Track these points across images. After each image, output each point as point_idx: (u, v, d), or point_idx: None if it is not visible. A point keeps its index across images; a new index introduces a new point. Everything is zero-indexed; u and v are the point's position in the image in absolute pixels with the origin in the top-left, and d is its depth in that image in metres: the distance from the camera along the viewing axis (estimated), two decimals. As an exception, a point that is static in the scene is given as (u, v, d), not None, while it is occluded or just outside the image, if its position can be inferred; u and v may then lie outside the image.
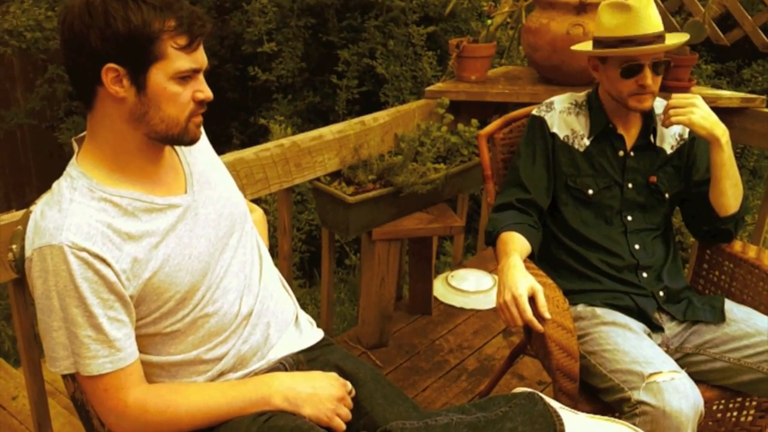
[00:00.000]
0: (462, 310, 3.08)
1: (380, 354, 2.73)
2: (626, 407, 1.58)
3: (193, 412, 1.30)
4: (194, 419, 1.30)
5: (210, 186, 1.43)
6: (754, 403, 1.88)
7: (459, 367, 2.70)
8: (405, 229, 2.57)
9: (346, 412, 1.37)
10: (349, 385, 1.41)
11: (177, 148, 1.42)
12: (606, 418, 1.42)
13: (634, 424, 1.44)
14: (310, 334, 1.58)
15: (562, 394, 1.70)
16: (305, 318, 1.61)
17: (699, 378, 1.73)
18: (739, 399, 1.87)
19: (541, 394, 1.38)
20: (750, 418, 1.90)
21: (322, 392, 1.35)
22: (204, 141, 1.50)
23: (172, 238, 1.32)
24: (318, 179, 2.46)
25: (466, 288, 3.18)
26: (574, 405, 1.62)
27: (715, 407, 1.87)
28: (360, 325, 2.80)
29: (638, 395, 1.55)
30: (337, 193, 2.38)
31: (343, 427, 1.35)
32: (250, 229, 1.52)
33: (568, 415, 1.37)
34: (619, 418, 1.47)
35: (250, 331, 1.42)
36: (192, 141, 1.33)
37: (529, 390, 1.40)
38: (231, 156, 2.14)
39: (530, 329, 1.71)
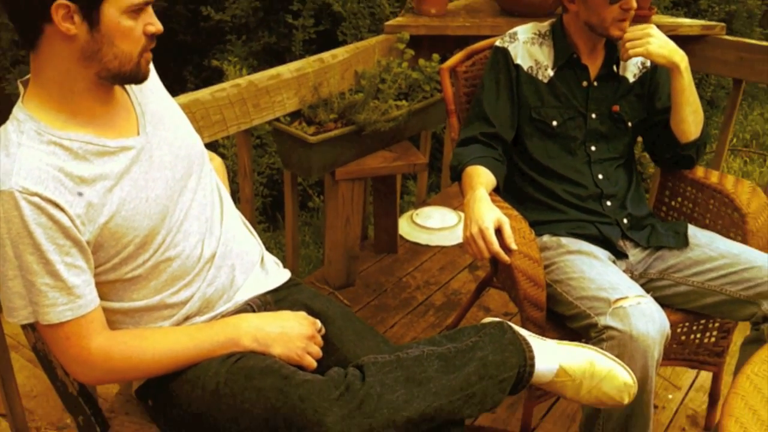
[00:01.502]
0: (428, 247, 3.09)
1: (348, 293, 2.73)
2: (593, 333, 1.60)
3: (159, 357, 1.27)
4: (161, 364, 1.28)
5: (164, 127, 1.37)
6: (716, 324, 1.93)
7: (426, 303, 2.72)
8: (368, 168, 2.53)
9: (317, 350, 1.36)
10: (319, 323, 1.40)
11: (128, 87, 1.36)
12: (574, 343, 1.43)
13: (602, 349, 1.46)
14: (277, 274, 1.56)
15: (530, 323, 1.72)
16: (271, 259, 1.58)
17: (663, 302, 1.76)
18: (703, 321, 1.92)
19: (510, 323, 1.39)
20: (713, 339, 1.95)
21: (291, 331, 1.33)
22: (155, 80, 1.44)
23: (127, 182, 1.27)
24: (278, 120, 2.40)
25: (431, 225, 3.18)
26: (542, 333, 1.63)
27: (679, 330, 1.91)
28: (326, 265, 2.79)
29: (605, 321, 1.57)
30: (298, 134, 2.33)
31: (314, 364, 1.34)
32: (209, 171, 1.48)
33: (536, 342, 1.38)
34: (587, 343, 1.49)
35: (215, 273, 1.40)
36: (144, 78, 1.28)
37: (497, 319, 1.41)
38: (186, 97, 2.07)
39: (497, 261, 1.71)
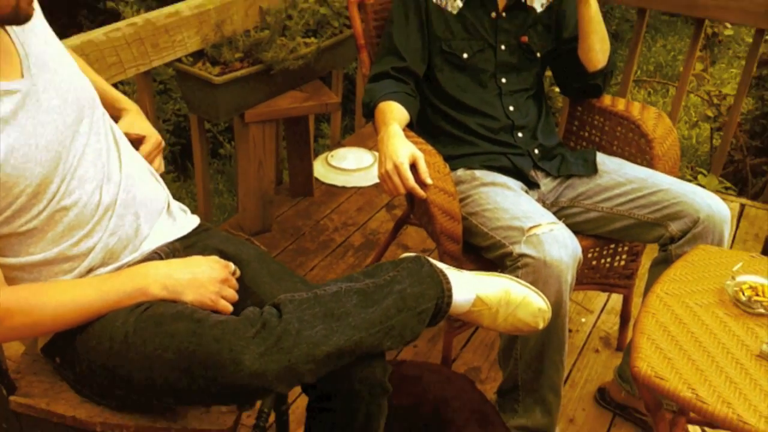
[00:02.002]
0: (344, 188, 3.06)
1: (264, 239, 2.68)
2: (509, 262, 1.62)
3: (62, 312, 1.20)
4: (65, 318, 1.21)
5: (49, 69, 1.27)
6: (626, 248, 1.99)
7: (345, 245, 2.70)
8: (279, 109, 2.46)
9: (231, 293, 1.31)
10: (232, 266, 1.35)
11: (9, 28, 1.25)
12: (490, 273, 1.44)
13: (517, 277, 1.47)
14: (185, 221, 1.49)
15: (447, 257, 1.72)
16: (177, 206, 1.52)
17: (575, 229, 1.79)
18: (613, 246, 1.97)
19: (427, 257, 1.38)
20: (623, 263, 2.01)
21: (203, 276, 1.28)
22: (39, 21, 1.32)
23: (14, 128, 1.17)
24: (180, 61, 2.29)
25: (346, 166, 3.14)
26: (459, 266, 1.64)
27: (590, 255, 1.97)
28: (241, 212, 2.72)
29: (519, 249, 1.59)
30: (203, 75, 2.23)
31: (230, 308, 1.30)
32: (101, 115, 1.39)
33: (453, 274, 1.38)
34: (503, 272, 1.50)
35: (117, 222, 1.32)
36: (25, 19, 1.18)
37: (414, 254, 1.40)
38: (78, 39, 1.94)
39: (413, 197, 1.70)
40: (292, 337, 1.17)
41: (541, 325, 1.40)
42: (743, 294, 1.44)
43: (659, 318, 1.41)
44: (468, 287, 1.37)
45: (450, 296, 1.35)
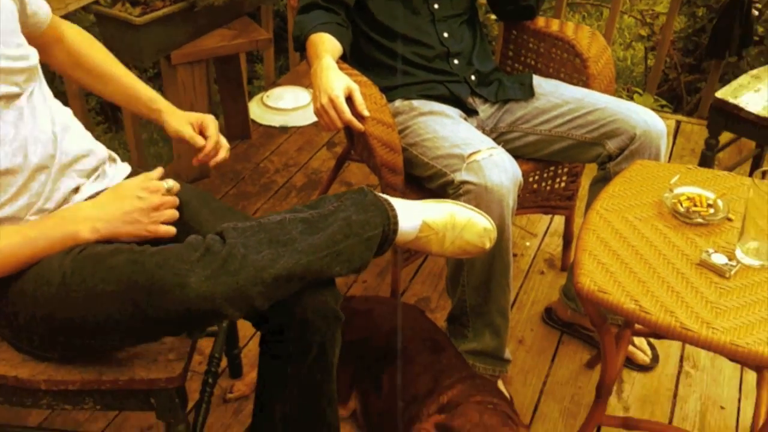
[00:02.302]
0: (283, 129, 2.99)
1: (204, 186, 2.62)
2: (450, 190, 1.61)
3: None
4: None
5: None
6: (565, 169, 2.00)
7: (287, 186, 2.66)
8: (207, 49, 2.37)
9: (170, 214, 1.25)
10: (164, 184, 1.28)
11: None
12: (434, 200, 1.43)
13: (460, 203, 1.47)
14: (117, 169, 1.44)
15: (390, 189, 1.71)
16: (107, 155, 1.45)
17: (515, 153, 1.78)
18: (552, 168, 1.98)
19: (370, 188, 1.36)
20: (563, 184, 2.03)
21: (133, 208, 1.22)
22: None
23: None
24: (97, 3, 2.17)
25: (283, 106, 3.07)
26: (402, 197, 1.62)
27: (531, 179, 1.97)
28: (176, 159, 2.64)
29: (460, 176, 1.58)
30: (122, 16, 2.12)
31: (172, 231, 1.24)
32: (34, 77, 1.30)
33: (398, 201, 1.37)
34: (446, 200, 1.49)
35: (52, 187, 1.25)
36: None
37: (357, 187, 1.38)
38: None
39: (352, 132, 1.67)
40: (238, 261, 1.14)
41: (488, 245, 1.41)
42: (681, 205, 1.46)
43: (600, 234, 1.42)
44: (413, 214, 1.36)
45: (396, 223, 1.33)
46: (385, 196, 1.37)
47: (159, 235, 1.23)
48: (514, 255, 2.19)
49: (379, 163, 1.67)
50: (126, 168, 1.46)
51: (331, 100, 1.56)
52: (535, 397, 1.89)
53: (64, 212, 1.23)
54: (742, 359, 1.21)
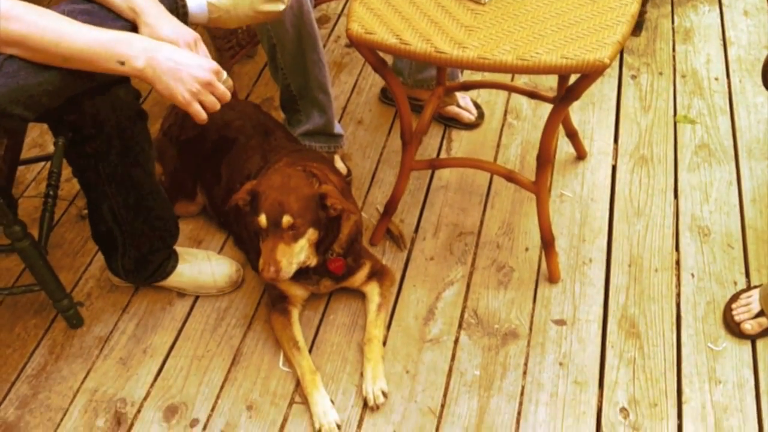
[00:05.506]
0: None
1: None
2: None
3: (48, 37, 1.15)
4: (43, 42, 1.15)
5: None
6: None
7: None
8: None
9: (211, 101, 1.25)
10: (225, 73, 1.28)
11: None
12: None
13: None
14: None
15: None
16: None
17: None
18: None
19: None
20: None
21: (185, 70, 1.21)
22: None
23: None
24: None
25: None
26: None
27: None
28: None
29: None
30: None
31: (203, 116, 1.26)
32: None
33: None
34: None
35: None
36: None
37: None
38: None
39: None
40: (17, 61, 1.16)
41: (281, 7, 1.43)
42: (451, -52, 1.52)
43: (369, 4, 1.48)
44: None
45: (184, 5, 1.37)
46: None
47: (190, 111, 1.24)
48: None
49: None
50: None
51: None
52: (373, 166, 2.02)
53: (124, 34, 1.21)
54: (489, 70, 1.33)
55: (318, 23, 2.39)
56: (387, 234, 1.83)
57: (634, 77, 2.26)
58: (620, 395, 1.52)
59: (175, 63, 1.21)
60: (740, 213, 1.86)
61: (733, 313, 1.61)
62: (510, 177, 1.66)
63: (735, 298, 1.65)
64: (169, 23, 1.29)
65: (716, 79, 2.25)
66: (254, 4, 1.43)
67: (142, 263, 1.64)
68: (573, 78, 1.42)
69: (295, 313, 1.64)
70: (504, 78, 2.01)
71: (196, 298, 1.74)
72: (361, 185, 1.97)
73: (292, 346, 1.59)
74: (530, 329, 1.64)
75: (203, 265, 1.73)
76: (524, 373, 1.57)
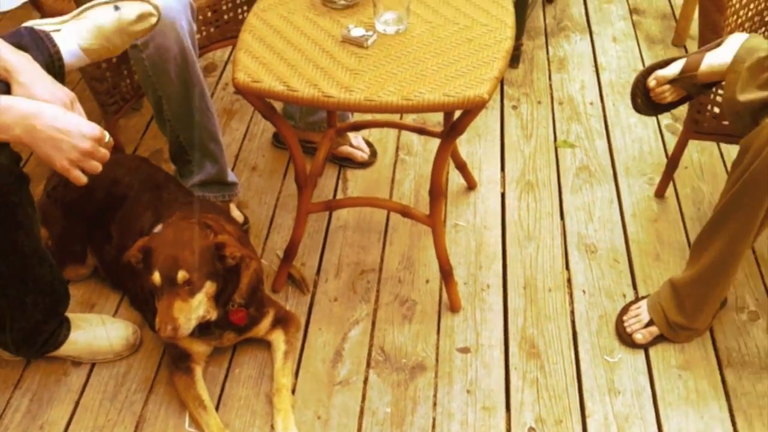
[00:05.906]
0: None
1: None
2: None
3: None
4: None
5: None
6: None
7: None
8: None
9: (93, 166, 1.23)
10: (108, 136, 1.24)
11: None
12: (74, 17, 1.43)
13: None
14: None
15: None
16: None
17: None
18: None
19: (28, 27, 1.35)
20: (244, 15, 2.07)
21: (67, 139, 1.19)
22: None
23: None
24: None
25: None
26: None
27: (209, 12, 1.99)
28: None
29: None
30: None
31: (83, 180, 1.23)
32: None
33: (55, 34, 1.36)
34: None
35: None
36: None
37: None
38: None
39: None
40: None
41: (153, 20, 1.41)
42: (328, -8, 1.56)
43: (257, 33, 1.50)
44: (69, 41, 1.36)
45: (60, 59, 1.34)
46: (42, 28, 1.35)
47: (69, 175, 1.22)
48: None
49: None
50: None
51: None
52: (271, 212, 2.01)
53: (9, 101, 1.17)
54: (376, 111, 1.36)
55: (205, 72, 2.40)
56: (289, 279, 1.82)
57: (515, 107, 2.37)
58: (527, 416, 1.56)
59: (57, 131, 1.19)
60: (623, 229, 1.97)
61: (625, 324, 1.70)
62: (405, 212, 1.70)
63: (625, 310, 1.73)
64: (43, 83, 1.26)
65: (591, 103, 2.39)
66: (125, 29, 1.41)
67: (32, 334, 1.56)
68: (457, 113, 1.48)
69: (198, 370, 1.60)
70: (393, 116, 2.06)
71: (93, 365, 1.66)
72: (259, 232, 1.96)
73: (198, 405, 1.55)
74: (437, 360, 1.66)
75: (98, 330, 1.66)
76: (434, 404, 1.59)
